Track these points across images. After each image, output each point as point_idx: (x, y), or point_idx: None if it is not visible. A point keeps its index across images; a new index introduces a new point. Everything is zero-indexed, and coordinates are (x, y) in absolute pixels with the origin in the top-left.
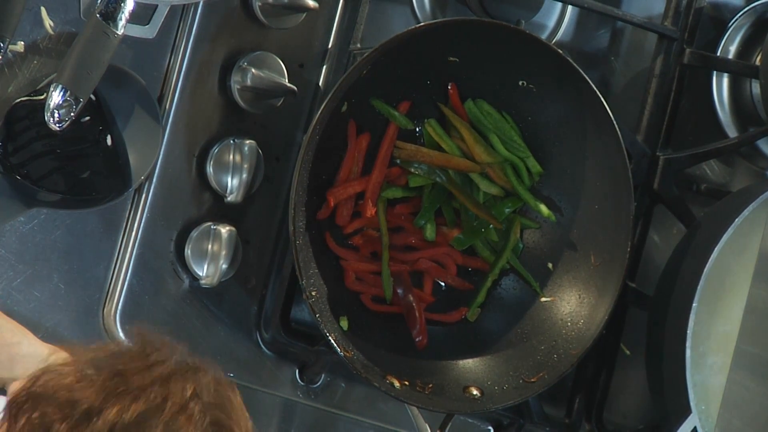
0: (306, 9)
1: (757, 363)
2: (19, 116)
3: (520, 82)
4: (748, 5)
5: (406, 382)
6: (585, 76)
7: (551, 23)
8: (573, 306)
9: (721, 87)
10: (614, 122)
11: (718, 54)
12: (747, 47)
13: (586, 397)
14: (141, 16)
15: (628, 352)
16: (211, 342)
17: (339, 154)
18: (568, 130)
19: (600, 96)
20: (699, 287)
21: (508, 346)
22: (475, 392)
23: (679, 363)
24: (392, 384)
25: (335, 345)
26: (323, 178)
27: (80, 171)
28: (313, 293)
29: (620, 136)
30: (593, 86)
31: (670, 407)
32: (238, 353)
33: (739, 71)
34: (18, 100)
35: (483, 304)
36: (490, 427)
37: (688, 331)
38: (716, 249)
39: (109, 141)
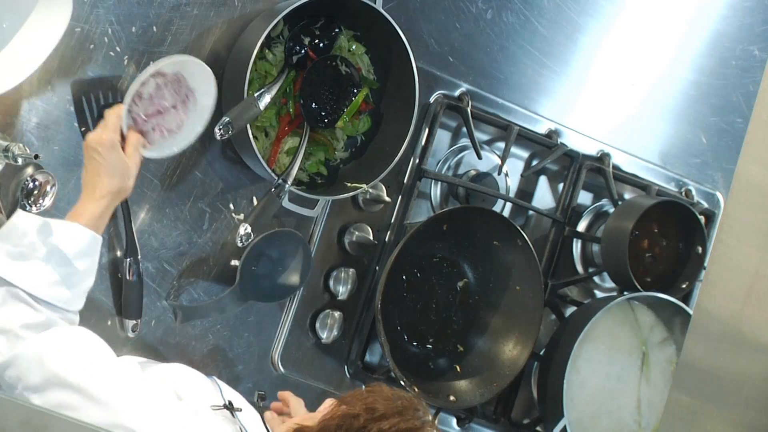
0: (384, 202)
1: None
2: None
3: (494, 242)
4: (592, 205)
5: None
6: (524, 235)
7: (499, 208)
8: (509, 353)
9: (578, 246)
10: (537, 261)
11: (577, 229)
12: (591, 225)
13: (503, 403)
14: (310, 202)
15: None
16: (327, 370)
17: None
18: (511, 264)
19: (531, 246)
20: (573, 350)
21: (480, 371)
22: (452, 398)
23: (558, 388)
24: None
25: (401, 377)
26: (390, 290)
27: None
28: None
29: (540, 269)
30: (528, 241)
31: (550, 412)
32: (336, 376)
33: (589, 239)
34: (251, 246)
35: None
36: (454, 418)
37: (566, 372)
38: (582, 332)
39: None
